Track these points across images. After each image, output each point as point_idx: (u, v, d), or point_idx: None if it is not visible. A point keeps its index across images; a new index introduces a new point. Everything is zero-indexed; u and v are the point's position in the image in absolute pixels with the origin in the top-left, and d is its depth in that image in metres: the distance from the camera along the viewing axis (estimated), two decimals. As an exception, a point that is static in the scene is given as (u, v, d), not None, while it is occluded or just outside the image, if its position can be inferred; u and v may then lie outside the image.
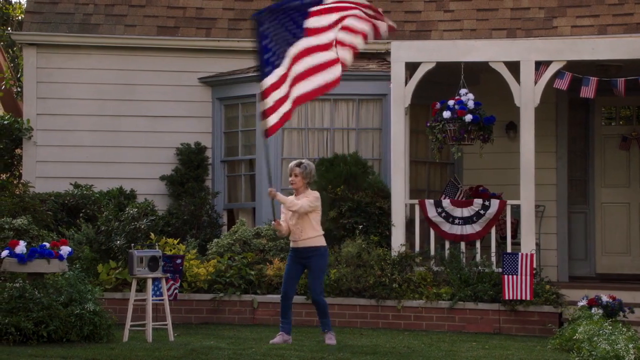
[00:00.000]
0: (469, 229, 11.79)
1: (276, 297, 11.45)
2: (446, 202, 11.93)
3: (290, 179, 9.56)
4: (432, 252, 11.91)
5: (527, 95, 11.73)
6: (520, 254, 11.17)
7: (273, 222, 9.57)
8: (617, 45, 11.89)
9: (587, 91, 11.58)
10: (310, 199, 9.45)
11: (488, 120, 11.71)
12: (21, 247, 9.33)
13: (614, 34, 13.07)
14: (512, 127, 13.46)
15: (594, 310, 10.53)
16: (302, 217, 9.43)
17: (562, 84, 11.70)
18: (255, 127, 13.37)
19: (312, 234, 9.45)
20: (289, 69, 9.19)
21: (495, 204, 11.80)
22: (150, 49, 13.88)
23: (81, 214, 12.88)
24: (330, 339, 9.48)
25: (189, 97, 13.87)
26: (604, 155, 13.98)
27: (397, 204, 11.94)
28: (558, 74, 11.69)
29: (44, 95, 13.80)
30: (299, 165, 9.57)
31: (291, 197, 9.54)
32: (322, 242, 9.51)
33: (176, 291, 10.59)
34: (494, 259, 11.74)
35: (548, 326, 10.95)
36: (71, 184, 13.37)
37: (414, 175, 13.09)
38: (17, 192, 13.15)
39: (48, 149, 13.73)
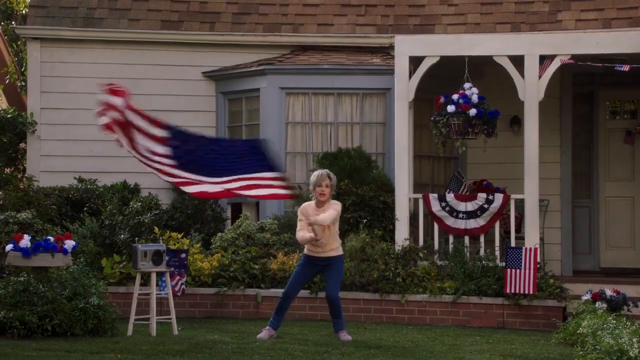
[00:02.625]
0: (472, 223, 11.79)
1: (280, 292, 11.44)
2: (450, 197, 11.92)
3: (320, 189, 9.28)
4: (436, 247, 11.91)
5: (531, 89, 11.72)
6: (524, 248, 11.16)
7: (313, 236, 9.34)
8: (622, 39, 11.87)
9: (596, 67, 11.54)
10: (336, 208, 9.36)
11: (492, 115, 11.70)
12: (25, 241, 9.34)
13: (619, 28, 13.04)
14: (516, 122, 13.44)
15: (598, 304, 10.52)
16: (327, 228, 9.29)
17: (569, 60, 11.65)
18: (259, 121, 13.38)
19: (336, 245, 9.40)
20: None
21: (499, 198, 11.79)
22: (154, 43, 13.88)
23: (85, 208, 12.89)
24: (346, 335, 9.44)
25: (193, 91, 13.87)
26: (608, 149, 13.96)
27: (401, 198, 11.94)
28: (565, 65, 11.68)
29: (47, 89, 13.80)
30: (329, 177, 9.36)
31: (321, 216, 9.27)
32: (342, 250, 9.53)
33: (183, 286, 10.59)
34: (497, 253, 11.73)
35: (552, 320, 10.94)
36: (75, 178, 13.37)
37: (418, 169, 13.09)
38: (21, 186, 13.16)
39: (52, 143, 13.74)
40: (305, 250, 9.47)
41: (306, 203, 9.50)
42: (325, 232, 9.30)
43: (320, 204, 9.35)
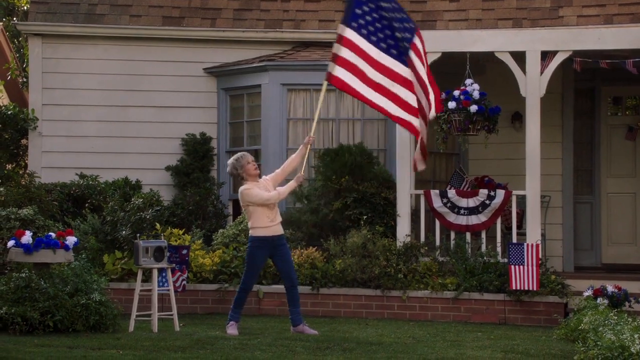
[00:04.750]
0: (474, 220, 11.78)
1: (281, 288, 11.44)
2: (452, 193, 11.92)
3: (253, 164, 9.53)
4: (438, 243, 11.91)
5: (532, 85, 11.71)
6: (526, 244, 11.16)
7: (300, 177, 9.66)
8: (623, 34, 11.85)
9: (602, 64, 11.56)
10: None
11: (493, 111, 11.69)
12: (27, 238, 9.35)
13: (620, 24, 13.03)
14: (518, 118, 13.44)
15: (599, 300, 10.52)
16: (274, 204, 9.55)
17: (575, 65, 11.68)
18: (261, 117, 13.37)
19: (279, 219, 9.57)
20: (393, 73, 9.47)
21: (500, 194, 11.79)
22: (156, 39, 13.88)
23: (87, 204, 12.90)
24: (310, 330, 9.56)
25: (194, 87, 13.88)
26: (609, 146, 13.95)
27: (403, 194, 11.93)
28: (568, 61, 11.67)
29: (49, 85, 13.81)
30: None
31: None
32: None
33: (184, 282, 10.60)
34: (499, 249, 11.73)
35: (553, 316, 10.95)
36: (77, 174, 13.38)
37: (419, 165, 13.06)
38: (23, 183, 13.17)
39: (54, 139, 13.74)
40: (255, 233, 9.44)
41: (250, 185, 9.45)
42: (274, 207, 9.45)
43: (256, 181, 9.52)
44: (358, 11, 9.42)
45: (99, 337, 8.98)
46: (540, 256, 11.18)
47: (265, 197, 9.40)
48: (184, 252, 10.59)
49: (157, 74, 13.86)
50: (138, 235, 10.62)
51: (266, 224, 9.41)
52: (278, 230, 9.52)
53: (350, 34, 9.40)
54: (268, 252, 9.51)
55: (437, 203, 11.89)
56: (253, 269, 9.53)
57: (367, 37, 9.43)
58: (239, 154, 9.64)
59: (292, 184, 9.63)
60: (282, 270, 9.56)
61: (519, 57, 11.79)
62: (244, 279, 9.60)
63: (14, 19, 21.97)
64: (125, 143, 13.78)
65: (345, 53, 9.39)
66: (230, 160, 9.59)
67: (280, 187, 9.67)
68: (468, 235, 11.85)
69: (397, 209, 11.93)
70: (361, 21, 9.41)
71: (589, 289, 10.88)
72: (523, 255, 11.06)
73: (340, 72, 9.38)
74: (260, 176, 9.67)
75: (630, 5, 13.28)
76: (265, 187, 9.54)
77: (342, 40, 9.41)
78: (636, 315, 10.18)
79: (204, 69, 13.85)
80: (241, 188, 9.49)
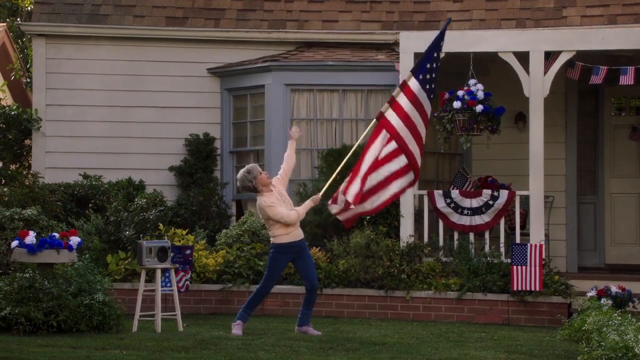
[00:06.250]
0: (477, 220, 11.78)
1: (285, 288, 11.48)
2: (455, 193, 11.92)
3: (265, 174, 9.54)
4: (441, 243, 11.90)
5: (536, 85, 11.70)
6: (529, 244, 11.15)
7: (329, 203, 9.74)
8: (627, 35, 11.84)
9: (597, 79, 11.58)
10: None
11: (498, 111, 11.68)
12: (31, 238, 9.36)
13: (624, 24, 13.02)
14: (522, 118, 13.43)
15: (603, 300, 10.51)
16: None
17: (574, 74, 11.71)
18: (264, 117, 13.37)
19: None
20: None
21: (504, 194, 11.78)
22: (159, 39, 13.88)
23: (90, 205, 12.91)
24: (314, 330, 9.59)
25: (198, 87, 13.88)
26: (613, 146, 13.94)
27: (406, 194, 11.90)
28: (569, 64, 11.67)
29: (53, 85, 13.82)
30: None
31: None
32: None
33: (187, 282, 10.61)
34: (502, 249, 11.73)
35: (557, 317, 10.94)
36: (80, 174, 13.39)
37: (423, 165, 12.96)
38: (27, 183, 13.18)
39: (57, 140, 13.75)
40: (279, 240, 9.47)
41: (268, 195, 9.46)
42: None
43: (270, 189, 9.51)
44: (427, 65, 9.81)
45: (102, 337, 8.99)
46: (543, 256, 11.17)
47: (285, 216, 9.41)
48: (188, 252, 10.60)
49: (161, 74, 13.86)
50: (141, 235, 10.63)
51: (289, 229, 9.46)
52: (299, 234, 9.57)
53: (413, 84, 9.73)
54: (291, 258, 9.58)
55: (440, 203, 11.89)
56: (274, 275, 9.58)
57: (427, 91, 9.80)
58: (247, 166, 9.60)
59: (308, 204, 9.64)
60: (303, 273, 9.61)
61: (523, 58, 11.79)
62: (264, 282, 9.61)
63: (18, 19, 21.99)
64: (128, 143, 13.79)
65: (402, 100, 9.69)
66: (241, 175, 9.52)
67: (299, 207, 9.68)
68: (471, 236, 11.85)
69: (400, 209, 11.92)
70: (428, 76, 9.80)
71: (592, 289, 10.87)
72: (526, 255, 11.06)
73: (391, 117, 9.66)
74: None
75: (634, 6, 13.27)
76: (281, 197, 9.53)
77: (405, 88, 9.73)
78: (640, 315, 10.18)
79: (207, 69, 13.85)
80: (262, 203, 9.44)
